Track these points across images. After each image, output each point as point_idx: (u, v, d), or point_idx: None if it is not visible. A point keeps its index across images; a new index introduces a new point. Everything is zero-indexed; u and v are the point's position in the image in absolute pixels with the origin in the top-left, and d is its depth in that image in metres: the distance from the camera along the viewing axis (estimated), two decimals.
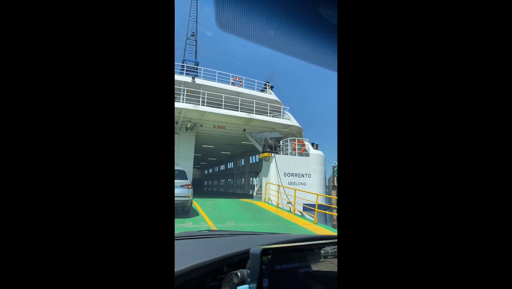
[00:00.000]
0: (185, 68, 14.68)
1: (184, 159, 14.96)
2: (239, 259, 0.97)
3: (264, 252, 0.59)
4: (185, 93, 12.65)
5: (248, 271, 0.60)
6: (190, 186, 7.72)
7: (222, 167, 31.36)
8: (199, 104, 12.57)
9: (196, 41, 21.85)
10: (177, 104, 12.20)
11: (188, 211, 7.87)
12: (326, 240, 0.76)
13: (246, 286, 0.61)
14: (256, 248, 0.59)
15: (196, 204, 9.46)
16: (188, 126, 14.31)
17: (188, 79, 13.04)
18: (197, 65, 13.96)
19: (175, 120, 14.13)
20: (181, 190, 7.28)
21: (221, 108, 12.82)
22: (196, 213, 8.03)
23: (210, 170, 37.55)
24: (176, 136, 15.16)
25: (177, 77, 12.96)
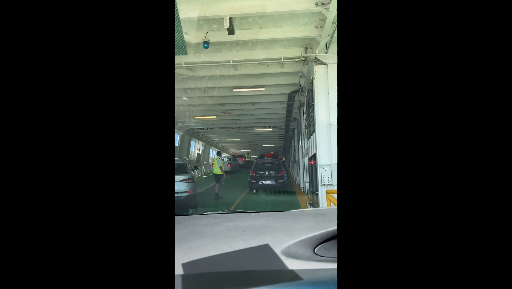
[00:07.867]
0: None
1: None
2: None
3: None
4: None
5: None
6: (191, 180, 7.35)
7: None
8: None
9: None
10: None
11: (194, 207, 7.30)
12: None
13: None
14: None
15: None
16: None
17: None
18: None
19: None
20: (180, 185, 7.07)
21: None
22: None
23: None
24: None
25: None
